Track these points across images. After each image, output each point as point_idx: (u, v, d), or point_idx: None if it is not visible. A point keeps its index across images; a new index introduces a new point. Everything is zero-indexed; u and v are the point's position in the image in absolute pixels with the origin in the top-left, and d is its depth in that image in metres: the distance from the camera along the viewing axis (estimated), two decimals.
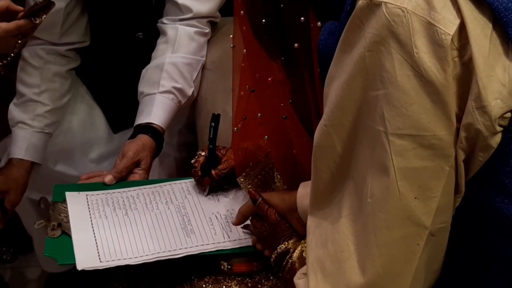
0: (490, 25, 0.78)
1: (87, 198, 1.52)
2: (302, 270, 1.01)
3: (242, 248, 1.37)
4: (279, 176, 1.38)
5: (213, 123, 1.50)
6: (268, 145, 1.37)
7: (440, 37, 0.76)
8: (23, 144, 1.79)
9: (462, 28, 0.77)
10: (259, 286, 1.36)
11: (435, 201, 0.82)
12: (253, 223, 1.30)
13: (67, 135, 1.94)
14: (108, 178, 1.57)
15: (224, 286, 1.37)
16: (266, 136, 1.32)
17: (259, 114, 1.31)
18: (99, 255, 1.36)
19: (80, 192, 1.54)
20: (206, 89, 1.92)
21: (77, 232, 1.41)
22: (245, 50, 1.25)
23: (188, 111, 2.00)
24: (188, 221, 1.45)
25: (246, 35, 1.21)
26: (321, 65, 0.96)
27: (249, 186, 1.44)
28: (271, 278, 1.37)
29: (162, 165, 1.94)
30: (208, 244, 1.38)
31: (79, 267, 1.33)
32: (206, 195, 1.52)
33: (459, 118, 0.79)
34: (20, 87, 1.87)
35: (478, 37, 0.77)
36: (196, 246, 1.37)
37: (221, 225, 1.42)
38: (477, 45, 0.77)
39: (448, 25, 0.76)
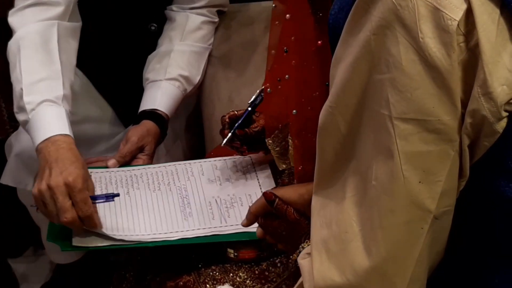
0: (498, 11, 0.77)
1: (91, 175, 1.52)
2: (306, 250, 1.01)
3: (238, 234, 1.37)
4: (296, 142, 1.37)
5: (262, 93, 1.46)
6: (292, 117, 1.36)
7: (446, 23, 0.76)
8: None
9: (469, 14, 0.76)
10: (266, 273, 1.36)
11: (440, 186, 0.82)
12: (267, 223, 1.25)
13: (77, 129, 1.93)
14: (111, 162, 1.57)
15: (231, 274, 1.37)
16: (294, 111, 1.30)
17: (286, 76, 1.29)
18: (95, 235, 1.38)
19: None
20: (212, 76, 1.93)
21: None
22: (288, 16, 1.24)
23: (194, 98, 2.00)
24: (188, 203, 1.44)
25: None
26: (331, 40, 0.96)
27: (277, 149, 1.42)
28: (278, 265, 1.38)
29: (169, 152, 1.94)
30: (204, 228, 1.38)
31: (75, 243, 1.35)
32: (223, 145, 1.47)
33: (464, 104, 0.79)
34: None
35: (485, 22, 0.76)
36: (192, 230, 1.38)
37: (220, 209, 1.42)
38: (483, 30, 0.76)
39: (454, 11, 0.76)
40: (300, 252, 1.16)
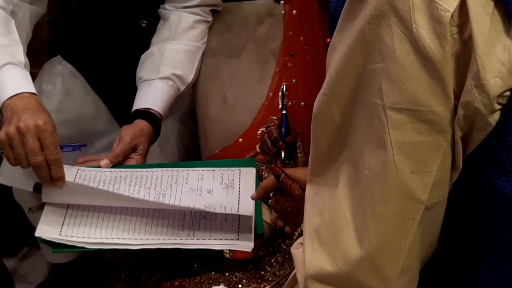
0: (492, 3, 0.77)
1: (76, 172, 1.52)
2: (299, 240, 1.01)
3: (202, 250, 1.35)
4: (301, 147, 1.37)
5: (286, 91, 1.45)
6: (303, 111, 1.35)
7: (439, 14, 0.76)
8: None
9: (463, 5, 0.76)
10: (262, 273, 1.37)
11: (432, 176, 0.82)
12: (276, 199, 1.29)
13: (71, 127, 1.93)
14: (104, 162, 1.56)
15: (227, 274, 1.37)
16: (302, 103, 1.30)
17: (293, 80, 1.30)
18: (61, 229, 1.38)
19: (73, 166, 1.54)
20: (205, 75, 1.93)
21: (50, 203, 1.42)
22: (294, 11, 1.24)
23: (188, 97, 2.00)
24: (162, 209, 1.42)
25: None
26: (331, 27, 0.95)
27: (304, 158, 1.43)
28: (274, 264, 1.38)
29: (163, 152, 1.94)
30: (170, 239, 1.36)
31: (37, 234, 1.35)
32: (284, 159, 1.44)
33: (457, 95, 0.79)
34: None
35: (478, 14, 0.76)
36: (158, 239, 1.37)
37: (192, 220, 1.40)
38: (477, 22, 0.76)
39: (449, 2, 0.76)
40: (301, 230, 1.16)
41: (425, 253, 0.91)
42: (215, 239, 1.35)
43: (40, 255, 2.35)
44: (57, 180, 1.40)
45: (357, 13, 0.82)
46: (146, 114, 1.70)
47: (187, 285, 1.35)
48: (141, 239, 1.36)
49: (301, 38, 1.25)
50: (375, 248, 0.84)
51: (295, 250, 0.99)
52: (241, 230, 1.36)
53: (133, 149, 1.63)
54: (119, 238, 1.36)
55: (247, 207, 1.40)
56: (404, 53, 0.78)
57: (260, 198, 1.33)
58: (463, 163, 0.83)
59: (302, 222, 1.14)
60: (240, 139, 1.70)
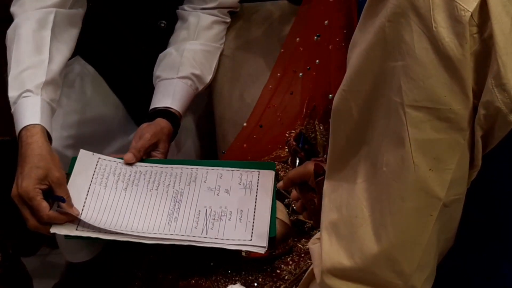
0: None
1: (98, 161, 1.53)
2: (316, 236, 1.02)
3: (214, 248, 1.36)
4: (321, 128, 1.38)
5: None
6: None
7: (459, 13, 0.76)
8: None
9: (483, 5, 0.76)
10: (278, 271, 1.37)
11: (449, 173, 0.82)
12: (302, 193, 1.27)
13: (89, 126, 1.94)
14: (128, 156, 1.56)
15: (243, 272, 1.38)
16: (330, 95, 1.29)
17: (317, 61, 1.31)
18: (78, 225, 1.39)
19: (94, 154, 1.54)
20: (223, 75, 1.92)
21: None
22: None
23: (205, 97, 2.00)
24: (178, 208, 1.43)
25: None
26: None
27: (312, 135, 1.45)
28: (290, 263, 1.38)
29: (180, 152, 1.94)
30: (183, 235, 1.37)
31: (52, 230, 1.37)
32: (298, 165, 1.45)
33: (476, 94, 0.79)
34: None
35: (499, 14, 0.76)
36: (171, 235, 1.37)
37: (206, 219, 1.40)
38: (498, 22, 0.76)
39: (469, 1, 0.76)
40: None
41: (442, 248, 0.91)
42: (228, 239, 1.36)
43: (57, 254, 2.35)
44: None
45: (378, 11, 0.82)
46: (166, 113, 1.70)
47: (204, 284, 1.36)
48: (154, 233, 1.37)
49: (326, 22, 1.26)
50: (392, 244, 0.85)
51: (313, 245, 1.00)
52: (255, 232, 1.36)
53: (153, 147, 1.62)
54: (133, 232, 1.37)
55: (264, 210, 1.41)
56: (423, 51, 0.78)
57: (286, 188, 1.33)
58: (482, 161, 0.83)
59: None
60: (245, 123, 1.72)
